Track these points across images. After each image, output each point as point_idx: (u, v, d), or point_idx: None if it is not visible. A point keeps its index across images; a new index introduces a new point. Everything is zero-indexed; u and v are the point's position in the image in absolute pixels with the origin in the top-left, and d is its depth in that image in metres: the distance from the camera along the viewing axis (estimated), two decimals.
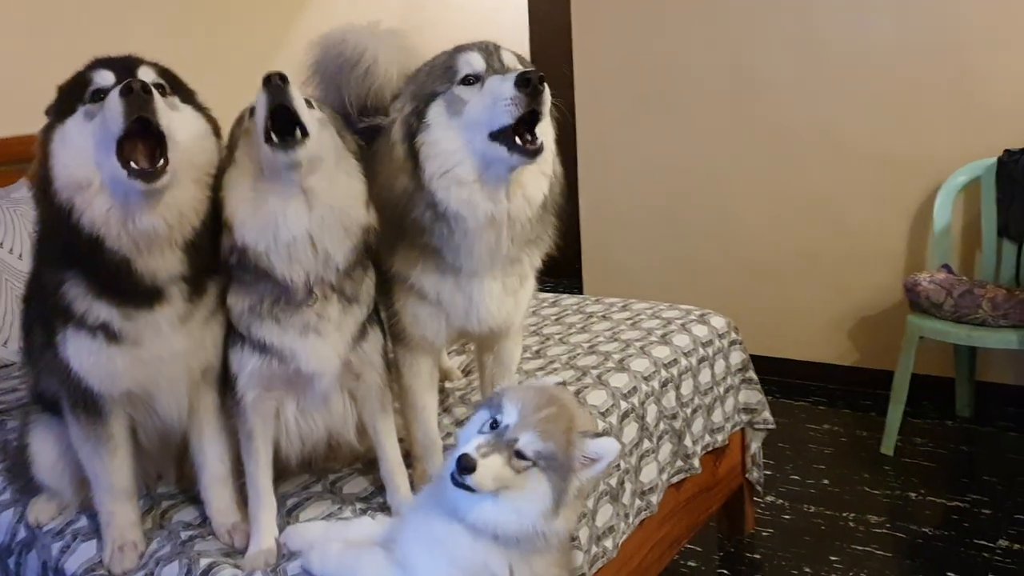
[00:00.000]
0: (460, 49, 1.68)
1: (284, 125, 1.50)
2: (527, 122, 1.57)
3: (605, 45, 4.45)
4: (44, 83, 3.27)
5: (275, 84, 1.49)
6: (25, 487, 1.89)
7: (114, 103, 1.43)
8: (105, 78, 1.50)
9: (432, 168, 1.64)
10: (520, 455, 1.39)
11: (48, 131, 1.52)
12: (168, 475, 1.92)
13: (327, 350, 1.66)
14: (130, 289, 1.53)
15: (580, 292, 4.62)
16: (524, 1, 6.18)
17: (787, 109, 4.04)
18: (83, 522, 1.81)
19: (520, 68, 1.65)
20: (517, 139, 1.57)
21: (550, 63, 6.40)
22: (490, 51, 1.67)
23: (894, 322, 3.89)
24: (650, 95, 4.35)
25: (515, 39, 6.12)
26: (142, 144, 1.46)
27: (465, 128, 1.62)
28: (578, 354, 2.53)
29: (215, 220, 1.59)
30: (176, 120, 1.51)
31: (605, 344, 2.59)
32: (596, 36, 4.47)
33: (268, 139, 1.50)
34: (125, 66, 1.53)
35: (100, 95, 1.48)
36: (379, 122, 2.11)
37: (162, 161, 1.46)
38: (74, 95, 1.52)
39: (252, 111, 1.58)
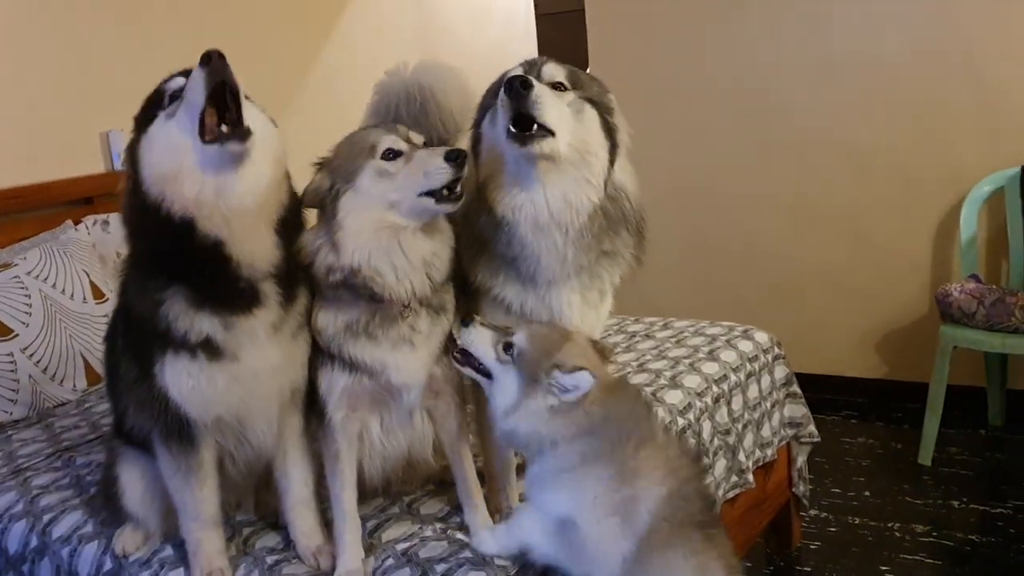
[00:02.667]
0: (513, 68, 1.80)
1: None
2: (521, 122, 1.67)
3: (621, 69, 4.50)
4: (79, 130, 3.35)
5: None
6: (108, 519, 1.92)
7: (196, 77, 1.52)
8: (178, 82, 1.58)
9: (483, 173, 1.75)
10: (508, 346, 1.66)
11: (133, 145, 1.59)
12: (247, 504, 1.95)
13: (417, 362, 1.71)
14: (230, 289, 1.58)
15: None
16: (533, 35, 6.27)
17: (806, 126, 4.09)
18: (168, 551, 1.83)
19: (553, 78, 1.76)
20: (511, 127, 1.66)
21: None
22: (534, 64, 1.79)
23: (922, 334, 3.93)
24: (667, 116, 4.40)
25: None
26: (218, 117, 1.54)
27: (498, 135, 1.72)
28: (628, 373, 2.56)
29: (296, 205, 1.69)
30: (248, 105, 1.59)
31: (654, 362, 2.63)
32: (612, 60, 4.53)
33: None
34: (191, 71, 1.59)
35: (177, 95, 1.57)
36: None
37: (248, 122, 1.55)
38: (152, 106, 1.60)
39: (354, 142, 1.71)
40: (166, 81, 1.62)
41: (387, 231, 1.63)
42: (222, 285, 1.58)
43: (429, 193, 1.61)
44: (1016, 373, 3.78)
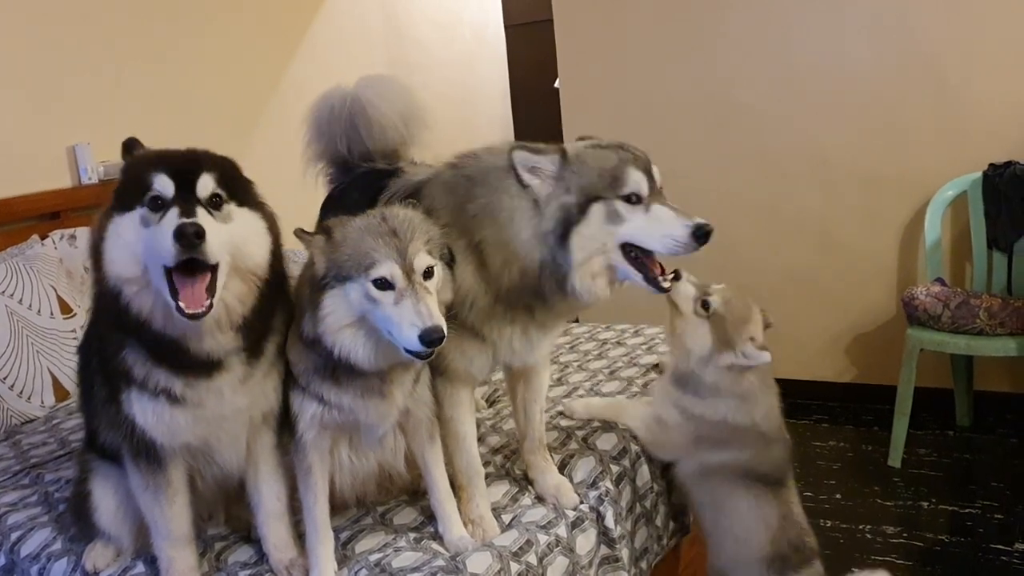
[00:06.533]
0: (627, 162, 1.74)
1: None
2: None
3: (590, 79, 4.55)
4: (45, 144, 3.32)
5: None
6: (78, 535, 1.90)
7: (167, 240, 1.43)
8: (164, 185, 1.49)
9: (578, 257, 1.72)
10: (704, 305, 2.03)
11: (105, 218, 1.53)
12: (217, 516, 1.94)
13: (388, 407, 1.72)
14: (188, 362, 1.56)
15: (575, 320, 4.64)
16: (502, 46, 6.29)
17: (773, 135, 4.14)
18: (140, 568, 1.82)
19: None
20: (658, 275, 1.77)
21: (529, 101, 6.54)
22: (648, 171, 1.76)
23: (890, 337, 3.98)
24: (636, 125, 4.43)
25: (493, 75, 6.23)
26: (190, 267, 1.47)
27: (617, 236, 1.73)
28: (600, 380, 2.58)
29: (269, 296, 1.63)
30: (227, 232, 1.52)
31: (625, 369, 2.64)
32: (581, 70, 4.57)
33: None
34: (186, 173, 1.51)
35: (158, 204, 1.49)
36: (382, 166, 2.21)
37: (209, 303, 1.46)
38: (134, 193, 1.51)
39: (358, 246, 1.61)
40: (152, 167, 1.51)
41: (365, 334, 1.61)
42: (179, 359, 1.56)
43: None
44: (982, 374, 3.84)
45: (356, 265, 1.58)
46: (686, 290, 2.06)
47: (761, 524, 2.09)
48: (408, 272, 1.57)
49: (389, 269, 1.56)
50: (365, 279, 1.57)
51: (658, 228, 1.72)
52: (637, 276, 1.76)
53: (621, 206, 1.72)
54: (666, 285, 1.78)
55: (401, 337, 1.54)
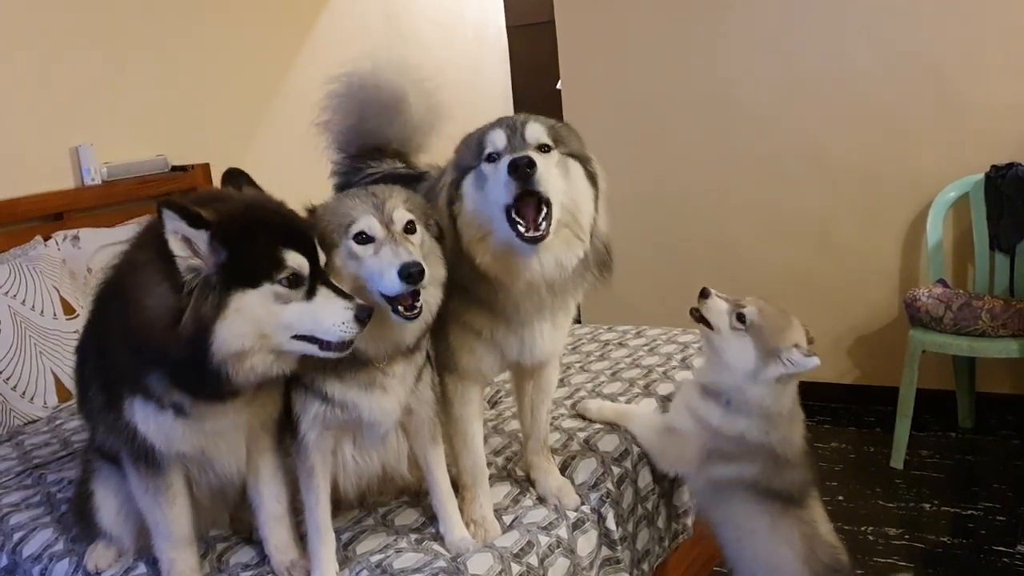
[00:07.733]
0: (491, 125, 1.73)
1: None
2: (530, 202, 1.63)
3: (592, 80, 4.55)
4: (48, 145, 3.32)
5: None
6: (80, 534, 1.90)
7: (332, 318, 1.48)
8: (300, 263, 1.49)
9: (467, 236, 1.72)
10: (740, 317, 1.97)
11: (226, 292, 1.46)
12: (221, 522, 1.93)
13: (390, 403, 1.72)
14: (213, 393, 1.55)
15: (578, 321, 4.64)
16: (504, 47, 6.29)
17: (773, 135, 4.14)
18: (142, 568, 1.82)
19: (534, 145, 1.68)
20: (519, 227, 1.63)
21: (531, 99, 6.53)
22: (515, 128, 1.70)
23: (892, 338, 3.98)
24: (639, 126, 4.44)
25: (495, 76, 6.23)
26: None
27: (489, 203, 1.69)
28: (602, 382, 2.58)
29: None
30: None
31: (627, 371, 2.64)
32: (583, 71, 4.57)
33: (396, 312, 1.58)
34: (312, 246, 1.53)
35: (297, 280, 1.49)
36: (387, 170, 2.22)
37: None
38: (259, 268, 1.48)
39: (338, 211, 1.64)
40: (282, 244, 1.49)
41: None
42: (210, 393, 1.56)
43: (384, 295, 1.57)
44: (984, 376, 3.83)
45: (337, 228, 1.60)
46: (718, 306, 2.02)
47: (784, 546, 2.00)
48: (386, 224, 1.59)
49: (367, 222, 1.58)
50: (347, 239, 1.59)
51: (496, 186, 1.64)
52: (511, 235, 1.65)
53: (486, 168, 1.69)
54: (530, 235, 1.61)
55: (382, 284, 1.55)
